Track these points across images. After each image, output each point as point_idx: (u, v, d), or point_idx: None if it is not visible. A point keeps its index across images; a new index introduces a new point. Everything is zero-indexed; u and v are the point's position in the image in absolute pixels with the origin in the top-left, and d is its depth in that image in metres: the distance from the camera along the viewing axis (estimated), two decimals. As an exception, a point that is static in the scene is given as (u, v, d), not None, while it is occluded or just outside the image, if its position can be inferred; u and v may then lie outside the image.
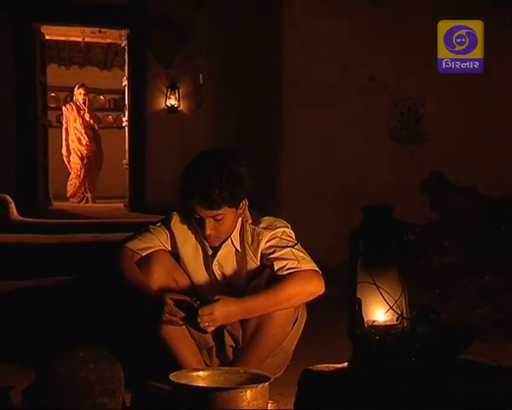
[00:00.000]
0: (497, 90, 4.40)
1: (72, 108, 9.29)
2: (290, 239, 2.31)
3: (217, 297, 2.15)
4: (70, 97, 11.71)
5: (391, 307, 1.86)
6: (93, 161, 9.27)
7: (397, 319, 1.87)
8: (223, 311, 2.14)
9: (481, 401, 1.69)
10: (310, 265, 2.25)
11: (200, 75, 7.15)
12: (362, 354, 1.87)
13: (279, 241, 2.29)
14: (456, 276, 3.94)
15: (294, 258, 2.24)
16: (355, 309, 1.86)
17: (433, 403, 1.69)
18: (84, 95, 9.32)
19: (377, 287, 1.85)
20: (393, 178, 4.33)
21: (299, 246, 2.30)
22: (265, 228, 2.32)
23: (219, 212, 2.23)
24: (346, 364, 1.92)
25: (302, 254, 2.27)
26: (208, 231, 2.27)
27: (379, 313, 1.88)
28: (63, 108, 9.66)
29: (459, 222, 4.32)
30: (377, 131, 4.34)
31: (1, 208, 6.11)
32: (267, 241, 2.30)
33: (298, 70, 4.24)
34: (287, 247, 2.27)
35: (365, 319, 1.86)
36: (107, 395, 1.93)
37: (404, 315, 1.87)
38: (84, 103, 9.31)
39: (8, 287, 3.84)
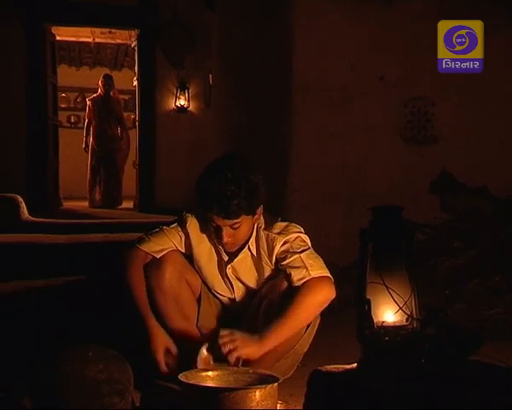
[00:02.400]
0: (503, 91, 4.38)
1: (96, 101, 8.61)
2: (302, 244, 2.31)
3: (224, 333, 2.12)
4: (81, 97, 11.76)
5: (400, 308, 1.85)
6: (119, 160, 8.62)
7: (406, 319, 1.87)
8: (243, 353, 2.11)
9: (490, 401, 1.68)
10: (319, 271, 2.25)
11: (210, 75, 7.15)
12: (371, 354, 1.86)
13: (290, 247, 2.30)
14: (466, 277, 3.92)
15: (303, 265, 2.24)
16: (364, 310, 1.85)
17: (441, 404, 1.68)
18: (108, 85, 8.59)
19: (387, 288, 1.85)
20: (403, 179, 4.31)
21: (310, 251, 2.30)
22: (279, 233, 2.33)
23: (237, 221, 2.24)
24: (355, 364, 1.92)
25: (311, 261, 2.26)
26: (226, 239, 2.29)
27: (388, 313, 1.88)
28: (87, 100, 9.05)
29: (469, 223, 4.30)
30: (387, 132, 4.33)
31: (12, 208, 6.13)
32: (281, 246, 2.31)
33: (307, 70, 4.23)
34: (296, 253, 2.27)
35: (375, 320, 1.86)
36: (117, 394, 1.93)
37: (414, 316, 1.87)
38: (107, 93, 8.58)
39: (17, 286, 3.86)
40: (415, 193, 4.25)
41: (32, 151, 7.40)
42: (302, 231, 2.38)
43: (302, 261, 2.25)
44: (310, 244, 2.35)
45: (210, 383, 1.98)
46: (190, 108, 8.23)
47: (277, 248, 2.32)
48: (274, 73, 4.59)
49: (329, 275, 2.27)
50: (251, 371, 2.05)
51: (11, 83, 7.28)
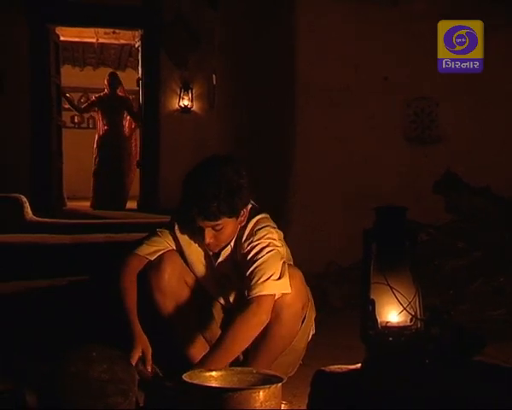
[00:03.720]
0: (503, 91, 4.39)
1: (102, 100, 8.39)
2: (259, 253, 2.22)
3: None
4: (85, 97, 11.75)
5: (404, 309, 1.85)
6: (127, 161, 8.37)
7: (410, 320, 1.87)
8: None
9: (494, 402, 1.68)
10: (255, 291, 2.14)
11: (214, 76, 7.16)
12: (375, 355, 1.86)
13: (247, 256, 2.24)
14: (470, 277, 3.92)
15: (246, 282, 2.18)
16: (368, 310, 1.85)
17: (446, 404, 1.68)
18: (114, 84, 8.31)
19: (390, 288, 1.84)
20: (406, 179, 4.31)
21: (260, 261, 2.19)
22: (245, 240, 2.29)
23: (218, 223, 2.24)
24: (359, 365, 1.92)
25: (254, 278, 2.16)
26: (208, 240, 2.29)
27: (392, 314, 1.88)
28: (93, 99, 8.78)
29: (473, 223, 4.30)
30: (390, 132, 4.33)
31: (16, 209, 6.14)
32: (244, 252, 2.28)
33: (308, 71, 4.23)
34: (247, 266, 2.21)
35: (379, 321, 1.86)
36: (121, 394, 1.94)
37: (418, 316, 1.87)
38: (113, 91, 8.31)
39: (20, 287, 3.87)
40: (418, 193, 4.25)
41: (35, 151, 7.42)
42: (269, 235, 2.26)
43: (245, 278, 2.19)
44: (276, 244, 2.24)
45: (214, 384, 1.98)
46: (194, 108, 8.23)
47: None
48: (275, 74, 4.60)
49: (269, 292, 2.15)
50: (255, 371, 2.04)
51: (15, 83, 7.29)
